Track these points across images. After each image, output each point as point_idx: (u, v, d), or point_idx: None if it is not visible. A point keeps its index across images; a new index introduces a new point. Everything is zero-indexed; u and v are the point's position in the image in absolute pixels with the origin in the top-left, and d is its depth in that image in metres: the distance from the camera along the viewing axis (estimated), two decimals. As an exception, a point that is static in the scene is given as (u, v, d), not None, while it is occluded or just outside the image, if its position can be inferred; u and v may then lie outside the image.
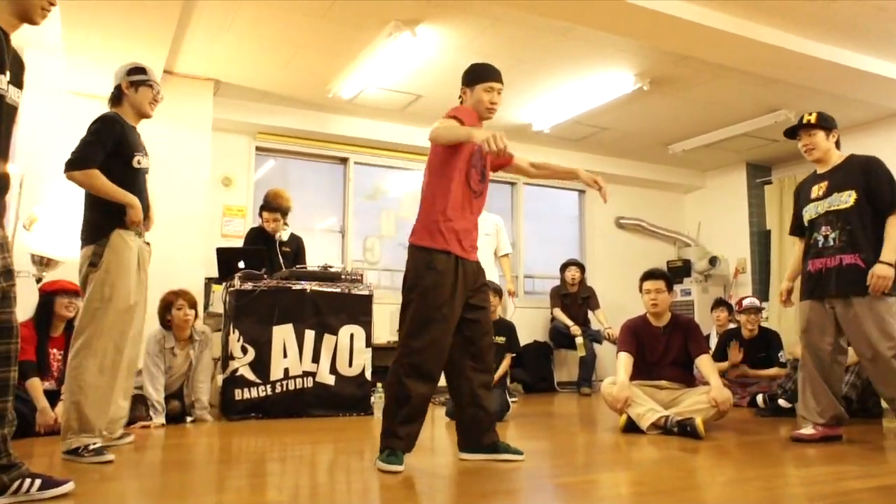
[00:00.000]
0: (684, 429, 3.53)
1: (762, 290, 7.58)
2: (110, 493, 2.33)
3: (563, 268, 6.88)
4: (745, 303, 5.34)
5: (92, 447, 2.83)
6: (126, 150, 3.02)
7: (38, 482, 2.11)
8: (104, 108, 5.07)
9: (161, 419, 3.96)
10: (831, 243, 3.37)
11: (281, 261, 4.94)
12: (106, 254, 2.95)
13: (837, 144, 3.55)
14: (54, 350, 3.81)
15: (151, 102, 3.17)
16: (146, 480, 2.55)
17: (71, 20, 4.10)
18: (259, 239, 5.01)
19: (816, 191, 3.50)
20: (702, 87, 5.53)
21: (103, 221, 2.98)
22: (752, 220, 7.84)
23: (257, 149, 6.35)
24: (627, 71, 5.25)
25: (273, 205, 4.94)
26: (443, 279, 2.67)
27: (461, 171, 2.75)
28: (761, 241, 7.83)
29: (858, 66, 4.88)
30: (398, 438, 2.64)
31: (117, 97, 3.15)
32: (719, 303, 6.34)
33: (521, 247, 7.57)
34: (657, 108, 6.07)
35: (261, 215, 5.03)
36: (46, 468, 2.58)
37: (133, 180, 3.04)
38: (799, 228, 3.65)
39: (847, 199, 3.35)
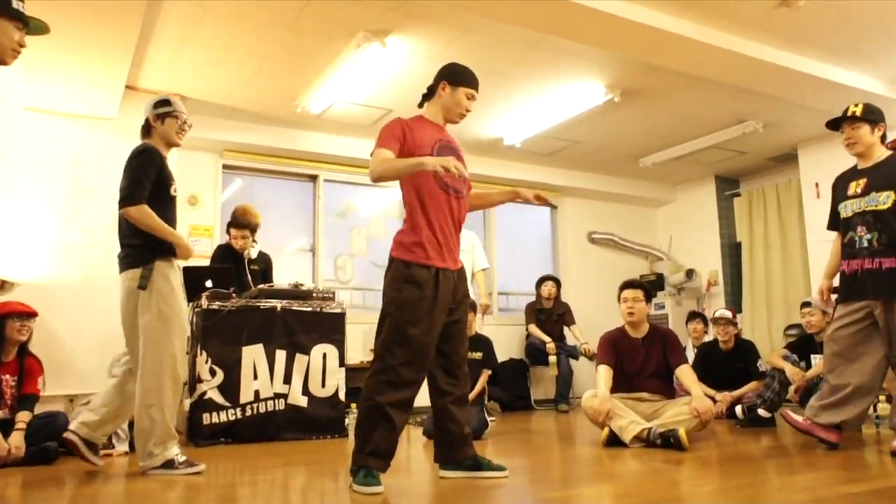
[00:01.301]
0: (667, 440, 3.46)
1: (735, 302, 7.61)
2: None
3: (539, 283, 6.82)
4: (717, 314, 5.31)
5: (182, 458, 3.04)
6: (164, 180, 3.15)
7: None
8: (65, 123, 5.00)
9: (124, 447, 3.78)
10: (865, 244, 3.25)
11: (249, 279, 4.80)
12: (155, 276, 3.06)
13: (883, 139, 3.39)
14: (7, 376, 3.60)
15: (178, 132, 3.28)
16: (106, 510, 2.38)
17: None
18: (227, 257, 4.87)
19: (854, 187, 3.36)
20: (671, 97, 5.56)
21: (151, 247, 3.09)
22: (722, 232, 7.90)
23: (224, 167, 6.20)
24: (598, 82, 5.24)
25: (241, 221, 4.81)
26: (422, 293, 2.57)
27: (429, 175, 2.66)
28: (732, 254, 7.88)
29: (824, 75, 4.93)
30: (374, 457, 2.52)
31: (147, 130, 3.27)
32: (694, 315, 6.33)
33: (494, 264, 7.49)
34: (628, 120, 6.08)
35: (228, 232, 4.90)
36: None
37: (171, 208, 3.20)
38: (835, 223, 3.50)
39: (885, 199, 3.22)
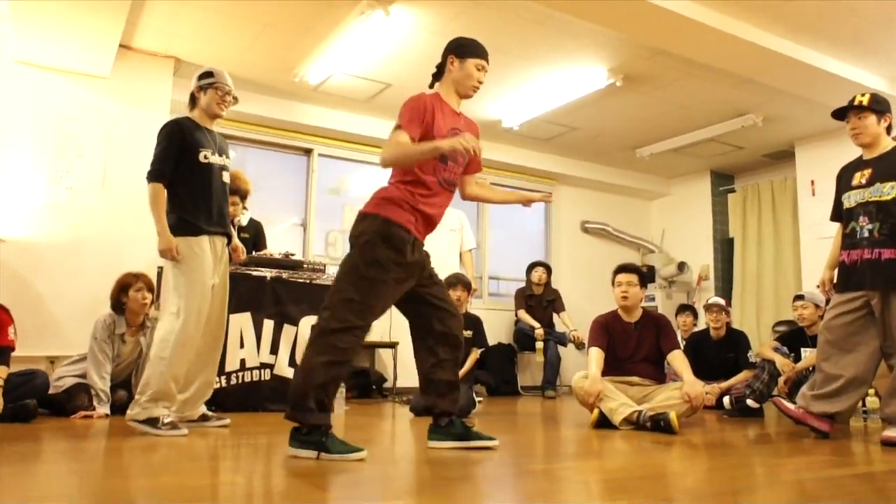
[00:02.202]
0: (657, 423, 3.43)
1: (725, 297, 7.57)
2: (39, 475, 2.10)
3: (530, 268, 6.78)
4: (710, 301, 5.29)
5: (167, 419, 3.03)
6: (191, 147, 3.24)
7: None
8: (56, 78, 4.88)
9: (105, 409, 3.70)
10: (866, 234, 3.22)
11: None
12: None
13: (889, 130, 3.36)
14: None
15: (219, 103, 3.36)
16: (82, 465, 2.32)
17: (20, -19, 3.85)
18: None
19: (859, 178, 3.32)
20: (673, 85, 5.51)
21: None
22: (715, 227, 7.89)
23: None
24: (601, 65, 5.19)
25: (231, 187, 4.72)
26: (396, 256, 2.52)
27: (431, 163, 2.62)
28: (724, 249, 7.88)
29: (828, 68, 4.90)
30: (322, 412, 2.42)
31: (192, 101, 3.39)
32: (684, 308, 6.31)
33: (486, 248, 7.46)
34: (628, 107, 6.03)
35: None
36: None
37: (202, 174, 3.26)
38: (838, 213, 3.47)
39: (890, 190, 3.18)
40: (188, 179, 3.22)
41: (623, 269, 4.09)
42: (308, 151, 6.55)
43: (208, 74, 3.35)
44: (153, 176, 3.18)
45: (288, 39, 4.88)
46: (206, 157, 3.27)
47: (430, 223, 2.68)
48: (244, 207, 4.80)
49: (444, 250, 5.32)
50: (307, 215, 6.50)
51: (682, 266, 7.77)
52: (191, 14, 4.53)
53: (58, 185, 4.74)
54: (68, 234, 4.72)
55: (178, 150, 3.20)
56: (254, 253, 4.54)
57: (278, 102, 6.05)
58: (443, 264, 5.19)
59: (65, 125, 4.81)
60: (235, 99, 3.44)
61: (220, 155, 3.38)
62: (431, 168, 2.62)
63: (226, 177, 3.42)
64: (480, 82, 2.74)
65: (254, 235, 4.87)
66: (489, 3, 4.30)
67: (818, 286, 3.60)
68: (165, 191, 3.19)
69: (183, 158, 3.21)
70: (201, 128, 3.33)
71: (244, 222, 4.84)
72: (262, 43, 4.94)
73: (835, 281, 3.41)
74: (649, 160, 7.41)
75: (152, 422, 2.99)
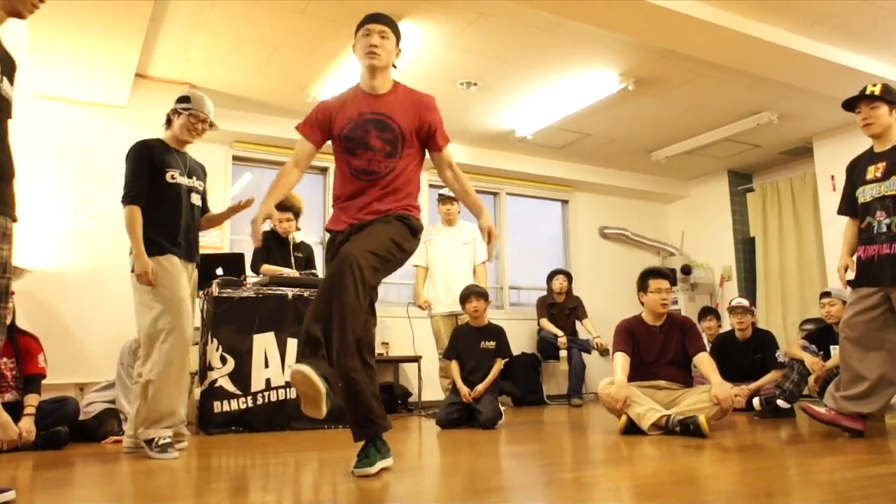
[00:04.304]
0: (687, 427, 3.39)
1: (749, 297, 7.49)
2: (74, 501, 2.12)
3: (551, 277, 6.76)
4: (733, 302, 5.22)
5: (163, 441, 3.03)
6: (157, 167, 3.23)
7: None
8: (75, 110, 4.97)
9: (133, 433, 3.71)
10: (885, 229, 3.16)
11: (294, 264, 4.75)
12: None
13: None
14: (4, 360, 3.55)
15: (190, 130, 3.34)
16: (115, 488, 2.34)
17: (38, 17, 3.92)
18: (271, 240, 4.77)
19: (873, 171, 3.26)
20: (686, 86, 5.49)
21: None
22: (735, 227, 7.82)
23: (234, 158, 6.16)
24: (612, 70, 5.18)
25: (285, 204, 4.73)
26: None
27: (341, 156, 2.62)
28: (746, 249, 7.80)
29: (844, 62, 4.84)
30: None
31: (168, 122, 3.40)
32: (707, 311, 6.22)
33: (505, 259, 7.44)
34: (641, 111, 6.01)
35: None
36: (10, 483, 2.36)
37: (169, 193, 3.25)
38: (848, 207, 3.41)
39: None
40: (153, 198, 3.21)
41: (657, 274, 4.04)
42: (323, 170, 6.60)
43: (185, 99, 3.35)
44: (128, 199, 3.17)
45: (299, 60, 4.93)
46: (172, 177, 3.25)
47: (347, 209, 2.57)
48: (297, 227, 4.84)
49: (457, 264, 5.31)
50: (324, 233, 6.54)
51: (686, 269, 7.68)
52: (204, 39, 4.60)
53: (80, 214, 4.82)
54: (92, 263, 4.78)
55: (148, 171, 3.19)
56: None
57: (292, 123, 6.00)
58: (456, 277, 5.19)
59: (85, 155, 4.90)
60: (213, 125, 3.42)
61: (191, 177, 3.36)
62: (343, 161, 2.60)
63: (195, 199, 3.38)
64: (373, 45, 2.51)
65: (306, 256, 4.91)
66: (497, 14, 4.32)
67: (837, 272, 3.51)
68: (140, 213, 3.17)
69: (152, 178, 3.21)
70: (171, 149, 3.32)
71: (297, 240, 4.88)
72: (273, 65, 5.00)
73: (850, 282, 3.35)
74: (665, 163, 7.37)
75: (148, 444, 3.04)
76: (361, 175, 2.54)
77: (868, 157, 3.35)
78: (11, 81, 2.16)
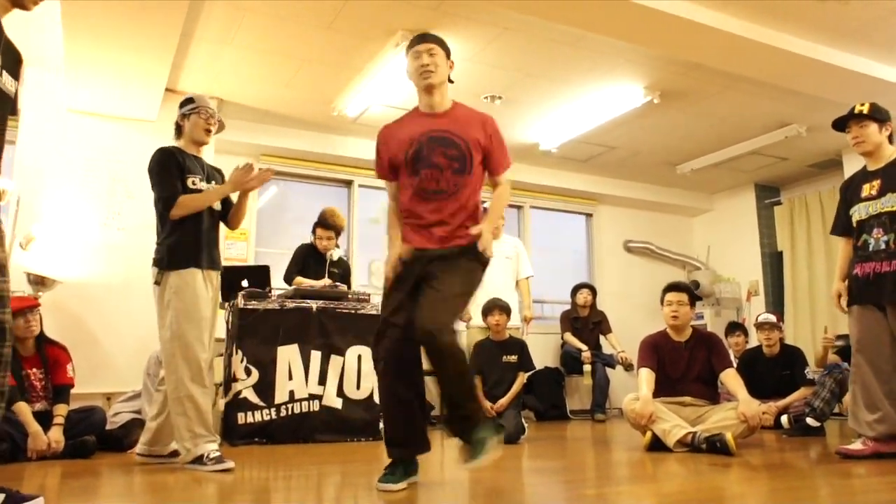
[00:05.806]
0: (713, 445, 3.34)
1: (777, 312, 7.36)
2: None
3: (575, 291, 6.72)
4: (760, 318, 5.13)
5: (213, 455, 2.98)
6: (180, 173, 3.16)
7: (1, 496, 1.94)
8: (105, 124, 5.08)
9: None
10: (882, 247, 3.16)
11: (329, 280, 4.81)
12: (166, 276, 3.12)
13: (891, 139, 3.33)
14: (32, 370, 3.60)
15: (205, 128, 3.27)
16: (141, 498, 2.36)
17: (74, 33, 4.02)
18: (310, 255, 4.90)
19: (868, 189, 3.27)
20: (711, 99, 5.45)
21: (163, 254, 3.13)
22: (762, 241, 7.71)
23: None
24: (637, 83, 5.16)
25: (329, 222, 4.85)
26: None
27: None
28: (773, 263, 7.68)
29: (878, 75, 4.77)
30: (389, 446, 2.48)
31: (178, 131, 3.33)
32: (734, 327, 6.13)
33: (528, 271, 7.41)
34: (666, 124, 5.98)
35: (314, 232, 4.93)
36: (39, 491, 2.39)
37: None
38: (843, 227, 3.43)
39: None
40: None
41: (672, 287, 4.02)
42: (349, 183, 6.65)
43: (189, 101, 3.30)
44: (171, 202, 3.08)
45: (326, 74, 4.99)
46: (193, 184, 3.18)
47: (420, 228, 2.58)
48: (337, 245, 4.92)
49: (499, 278, 5.29)
50: (350, 246, 6.58)
51: (695, 284, 7.58)
52: (232, 54, 4.68)
53: (110, 226, 4.91)
54: (122, 275, 4.86)
55: (176, 175, 3.11)
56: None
57: (318, 136, 6.17)
58: (498, 291, 5.15)
59: (115, 168, 4.99)
60: (221, 123, 3.36)
61: (209, 181, 3.29)
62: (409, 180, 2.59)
63: (215, 204, 3.30)
64: (424, 64, 2.56)
65: (342, 273, 4.97)
66: (521, 28, 4.34)
67: (833, 297, 3.48)
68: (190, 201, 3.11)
69: (178, 181, 3.14)
70: (189, 155, 3.25)
71: (335, 257, 4.93)
72: (300, 79, 5.06)
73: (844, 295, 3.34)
74: (690, 176, 7.30)
75: (198, 460, 2.98)
76: (431, 195, 2.52)
77: (862, 177, 3.38)
78: (15, 76, 2.08)
